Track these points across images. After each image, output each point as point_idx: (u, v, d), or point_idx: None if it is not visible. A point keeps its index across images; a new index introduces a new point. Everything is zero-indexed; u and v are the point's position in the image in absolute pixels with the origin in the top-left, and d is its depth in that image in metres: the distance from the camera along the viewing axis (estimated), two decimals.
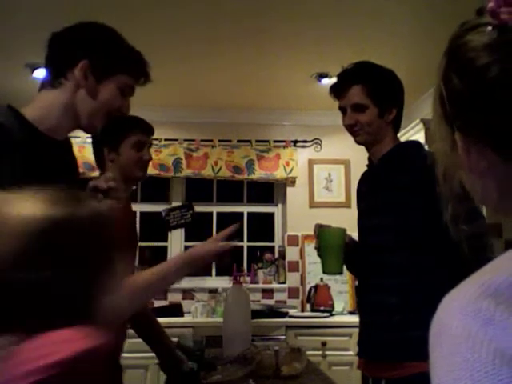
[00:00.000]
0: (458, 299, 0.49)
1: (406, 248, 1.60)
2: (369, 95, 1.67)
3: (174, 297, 4.14)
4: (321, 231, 1.80)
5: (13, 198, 0.77)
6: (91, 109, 1.31)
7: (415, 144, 1.82)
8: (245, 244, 4.68)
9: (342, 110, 1.75)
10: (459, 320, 0.47)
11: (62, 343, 0.71)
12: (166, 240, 4.54)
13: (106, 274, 0.81)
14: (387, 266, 1.64)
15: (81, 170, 4.53)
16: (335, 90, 1.76)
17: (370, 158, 1.83)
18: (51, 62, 1.32)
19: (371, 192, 1.78)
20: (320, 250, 1.79)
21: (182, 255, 1.65)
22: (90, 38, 1.31)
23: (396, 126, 1.76)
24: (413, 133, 3.56)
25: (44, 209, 0.75)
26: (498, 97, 0.53)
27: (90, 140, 4.71)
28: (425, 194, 1.51)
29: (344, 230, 1.80)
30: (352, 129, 1.74)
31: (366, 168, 1.92)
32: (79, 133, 4.63)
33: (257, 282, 4.44)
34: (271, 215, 4.75)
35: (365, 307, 1.78)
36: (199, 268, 1.52)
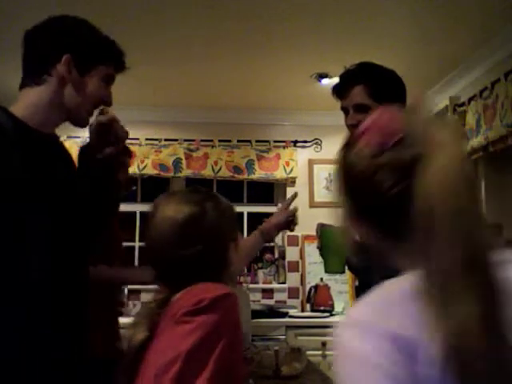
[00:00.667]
0: (348, 317, 0.71)
1: None
2: (371, 95, 1.65)
3: None
4: (323, 231, 1.80)
5: (164, 202, 1.21)
6: (79, 103, 1.30)
7: None
8: None
9: (345, 110, 1.74)
10: (346, 335, 0.68)
11: (208, 290, 1.08)
12: None
13: (231, 246, 1.21)
14: (390, 266, 1.63)
15: None
16: (337, 91, 1.75)
17: None
18: (32, 60, 1.31)
19: None
20: (322, 250, 1.78)
21: (259, 229, 1.97)
22: (68, 32, 1.30)
23: None
24: None
25: (183, 207, 1.16)
26: (364, 189, 0.74)
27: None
28: None
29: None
30: (354, 129, 1.74)
31: None
32: (79, 132, 4.62)
33: (257, 282, 4.45)
34: (271, 215, 4.74)
35: None
36: (274, 236, 1.97)
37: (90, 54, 1.31)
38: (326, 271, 1.83)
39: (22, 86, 1.32)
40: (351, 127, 1.70)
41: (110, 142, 1.38)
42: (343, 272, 1.80)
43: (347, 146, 0.80)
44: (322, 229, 1.81)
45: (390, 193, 0.70)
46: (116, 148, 1.40)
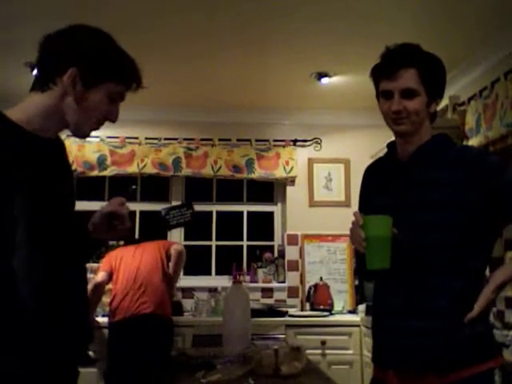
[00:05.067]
0: None
1: (450, 247, 1.49)
2: (423, 81, 1.52)
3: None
4: (369, 219, 1.49)
5: None
6: (77, 115, 1.29)
7: (449, 137, 1.66)
8: (244, 243, 4.68)
9: (387, 94, 1.55)
10: None
11: None
12: (165, 239, 4.53)
13: None
14: (430, 266, 1.50)
15: (80, 170, 4.52)
16: (384, 71, 1.57)
17: (391, 150, 1.67)
18: (41, 66, 1.31)
19: (409, 186, 1.57)
20: (368, 242, 1.47)
21: None
22: (79, 45, 1.28)
23: (432, 120, 1.64)
24: None
25: None
26: None
27: (89, 139, 4.69)
28: (471, 191, 1.48)
29: (391, 219, 1.48)
30: (397, 115, 1.54)
31: (369, 163, 1.80)
32: None
33: (256, 281, 4.45)
34: (271, 214, 4.75)
35: (406, 311, 1.51)
36: None
37: (99, 69, 1.28)
38: (371, 268, 1.49)
39: (32, 87, 1.31)
40: (393, 114, 1.54)
41: (113, 226, 1.39)
42: (388, 268, 1.47)
43: None
44: (368, 217, 1.50)
45: None
46: (117, 235, 1.46)
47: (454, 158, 1.55)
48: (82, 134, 1.35)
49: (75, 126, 1.31)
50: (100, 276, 3.65)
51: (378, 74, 1.60)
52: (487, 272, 1.57)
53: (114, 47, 1.32)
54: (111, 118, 1.35)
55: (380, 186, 1.69)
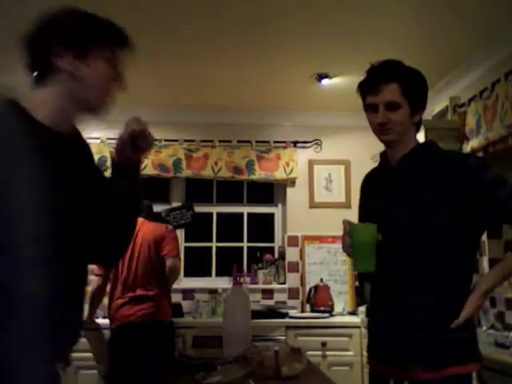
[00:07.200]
0: None
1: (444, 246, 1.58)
2: (404, 94, 1.64)
3: (174, 297, 4.13)
4: (355, 227, 1.64)
5: None
6: (89, 91, 1.30)
7: (435, 143, 1.78)
8: (245, 244, 4.68)
9: (372, 107, 1.68)
10: None
11: None
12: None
13: None
14: (414, 264, 1.60)
15: None
16: (368, 87, 1.69)
17: (384, 157, 1.78)
18: (34, 64, 1.31)
19: (397, 189, 1.69)
20: (354, 247, 1.61)
21: None
22: (61, 27, 1.29)
23: (417, 128, 1.76)
24: None
25: None
26: None
27: (89, 140, 4.68)
28: (452, 192, 1.58)
29: (376, 226, 1.62)
30: (382, 127, 1.67)
31: (367, 167, 1.92)
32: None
33: (257, 283, 4.44)
34: (271, 216, 4.75)
35: (392, 306, 1.62)
36: None
37: (87, 42, 1.29)
38: (356, 271, 1.66)
39: (35, 86, 1.31)
40: (378, 126, 1.66)
41: (137, 146, 1.37)
42: (372, 271, 1.61)
43: None
44: (355, 225, 1.65)
45: None
46: (143, 153, 1.41)
47: (437, 162, 1.66)
48: (99, 110, 1.34)
49: (91, 103, 1.31)
50: (95, 282, 3.59)
51: (363, 89, 1.73)
52: (485, 271, 1.63)
53: (90, 16, 1.32)
54: (118, 81, 1.34)
55: (373, 190, 1.84)
